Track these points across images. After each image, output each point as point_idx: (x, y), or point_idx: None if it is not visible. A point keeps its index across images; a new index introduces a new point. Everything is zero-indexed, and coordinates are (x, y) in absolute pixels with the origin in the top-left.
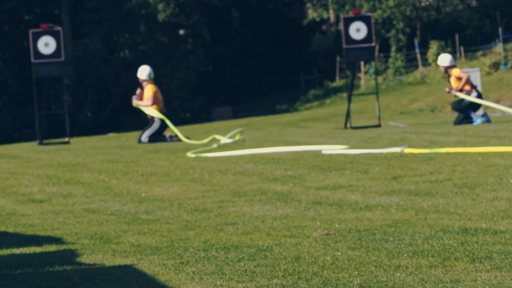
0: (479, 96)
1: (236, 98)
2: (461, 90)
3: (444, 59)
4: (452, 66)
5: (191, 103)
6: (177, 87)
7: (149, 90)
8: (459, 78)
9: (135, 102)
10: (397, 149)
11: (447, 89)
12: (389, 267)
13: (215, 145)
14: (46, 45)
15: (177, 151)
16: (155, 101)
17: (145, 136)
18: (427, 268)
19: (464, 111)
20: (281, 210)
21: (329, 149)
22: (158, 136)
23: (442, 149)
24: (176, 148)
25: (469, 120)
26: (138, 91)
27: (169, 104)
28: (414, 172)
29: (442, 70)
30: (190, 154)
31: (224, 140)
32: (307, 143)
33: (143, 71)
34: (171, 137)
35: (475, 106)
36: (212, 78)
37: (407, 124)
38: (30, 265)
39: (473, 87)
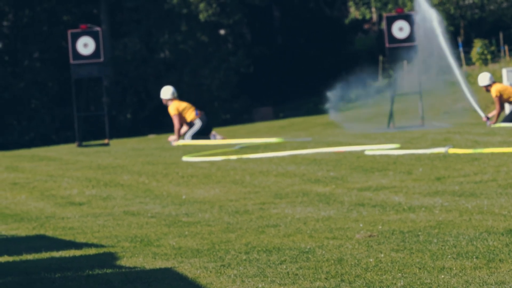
0: None
1: (277, 99)
2: (502, 109)
3: (483, 78)
4: (492, 83)
5: (231, 104)
6: (218, 88)
7: (172, 109)
8: (497, 97)
9: (174, 138)
10: (441, 150)
11: (484, 118)
12: (433, 269)
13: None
14: (85, 45)
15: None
16: (180, 118)
17: (188, 136)
18: (471, 270)
19: None
20: (323, 211)
21: (376, 149)
22: (201, 135)
23: (486, 149)
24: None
25: None
26: (171, 137)
27: (210, 105)
28: (458, 173)
29: (484, 89)
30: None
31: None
32: (350, 144)
33: (167, 91)
34: (214, 135)
35: None
36: (253, 79)
37: (451, 124)
38: (70, 269)
39: None
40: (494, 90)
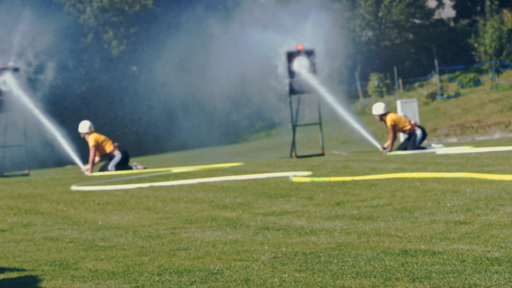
0: (423, 131)
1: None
2: (395, 138)
3: (378, 108)
4: (386, 113)
5: None
6: None
7: (91, 140)
8: (392, 125)
9: (87, 168)
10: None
11: (380, 149)
12: None
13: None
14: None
15: (131, 181)
16: (98, 148)
17: (111, 166)
18: None
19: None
20: (230, 235)
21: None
22: (123, 166)
23: (322, 178)
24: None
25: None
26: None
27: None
28: (356, 198)
29: (377, 118)
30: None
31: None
32: (256, 172)
33: (84, 125)
34: (136, 165)
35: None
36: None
37: (349, 153)
38: None
39: (413, 124)
40: (389, 119)
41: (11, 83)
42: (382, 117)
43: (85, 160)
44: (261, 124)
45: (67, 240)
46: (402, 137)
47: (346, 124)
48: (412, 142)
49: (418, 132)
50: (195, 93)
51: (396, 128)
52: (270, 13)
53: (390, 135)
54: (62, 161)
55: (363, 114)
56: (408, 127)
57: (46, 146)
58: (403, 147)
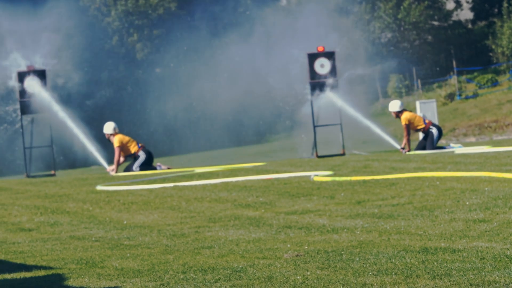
0: (439, 129)
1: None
2: (409, 135)
3: (394, 105)
4: (402, 111)
5: None
6: None
7: (116, 141)
8: (406, 125)
9: (112, 168)
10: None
11: (400, 149)
12: (355, 285)
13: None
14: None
15: (155, 181)
16: (123, 149)
17: (135, 166)
18: (391, 285)
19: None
20: (253, 234)
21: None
22: (148, 166)
23: (343, 177)
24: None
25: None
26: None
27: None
28: (377, 197)
29: (394, 115)
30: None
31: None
32: (278, 172)
33: (109, 126)
34: (159, 166)
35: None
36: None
37: (369, 152)
38: None
39: (428, 122)
40: (403, 118)
41: (36, 85)
42: (398, 114)
43: (109, 161)
44: (283, 125)
45: (93, 239)
46: (421, 136)
47: (363, 127)
48: (430, 141)
49: (434, 130)
50: (218, 93)
51: (410, 127)
52: (292, 16)
53: (404, 134)
54: (88, 162)
55: (383, 114)
56: (422, 125)
57: (71, 147)
58: (421, 146)
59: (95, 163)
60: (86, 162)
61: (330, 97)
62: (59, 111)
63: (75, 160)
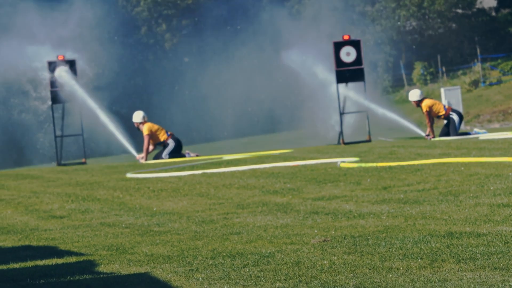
0: (459, 114)
1: None
2: (432, 122)
3: (414, 94)
4: (422, 100)
5: None
6: None
7: (145, 129)
8: (427, 111)
9: (141, 156)
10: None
11: (425, 136)
12: (381, 269)
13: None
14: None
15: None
16: (152, 137)
17: (165, 154)
18: (416, 269)
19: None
20: (281, 220)
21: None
22: (177, 154)
23: (370, 164)
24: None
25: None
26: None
27: None
28: (402, 183)
29: (414, 104)
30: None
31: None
32: (304, 158)
33: (138, 115)
34: (188, 153)
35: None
36: None
37: (395, 139)
38: (53, 276)
39: (448, 108)
40: (424, 105)
41: (66, 75)
42: (419, 103)
43: (139, 149)
44: (308, 112)
45: (123, 225)
46: (442, 123)
47: (385, 116)
48: (453, 127)
49: (454, 116)
50: (245, 82)
51: (431, 114)
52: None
53: (427, 121)
54: (117, 150)
55: (408, 102)
56: (443, 112)
57: (101, 135)
58: (444, 133)
59: (125, 151)
60: (116, 150)
61: (346, 92)
62: (89, 100)
63: (105, 149)
